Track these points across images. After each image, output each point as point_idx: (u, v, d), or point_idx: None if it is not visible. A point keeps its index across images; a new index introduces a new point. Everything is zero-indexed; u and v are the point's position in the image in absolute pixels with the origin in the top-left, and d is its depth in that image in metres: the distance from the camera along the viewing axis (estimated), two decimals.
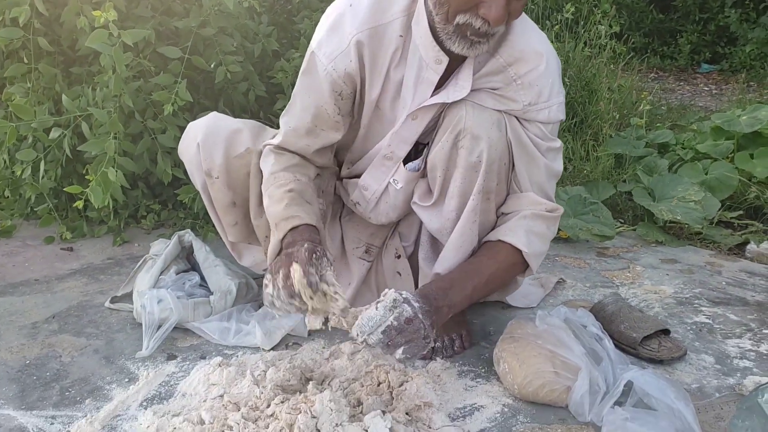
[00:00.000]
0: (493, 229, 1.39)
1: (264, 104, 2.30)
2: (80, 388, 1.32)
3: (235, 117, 2.12)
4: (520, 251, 1.33)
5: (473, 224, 1.36)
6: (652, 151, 2.79)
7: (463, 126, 1.29)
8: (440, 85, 1.32)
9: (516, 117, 1.32)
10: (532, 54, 1.29)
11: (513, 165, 1.34)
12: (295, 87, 1.40)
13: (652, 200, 2.32)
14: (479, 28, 1.18)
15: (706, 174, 2.46)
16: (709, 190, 2.36)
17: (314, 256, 1.17)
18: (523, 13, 1.29)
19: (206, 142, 1.45)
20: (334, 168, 1.55)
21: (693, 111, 4.16)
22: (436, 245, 1.47)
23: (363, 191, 1.48)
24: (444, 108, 1.33)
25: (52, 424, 1.20)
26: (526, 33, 1.30)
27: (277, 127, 1.46)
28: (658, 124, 3.34)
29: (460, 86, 1.30)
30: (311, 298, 1.16)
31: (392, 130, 1.37)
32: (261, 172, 1.44)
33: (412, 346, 1.16)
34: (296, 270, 1.15)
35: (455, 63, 1.29)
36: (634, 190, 2.38)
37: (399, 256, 1.56)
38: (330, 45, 1.30)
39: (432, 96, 1.31)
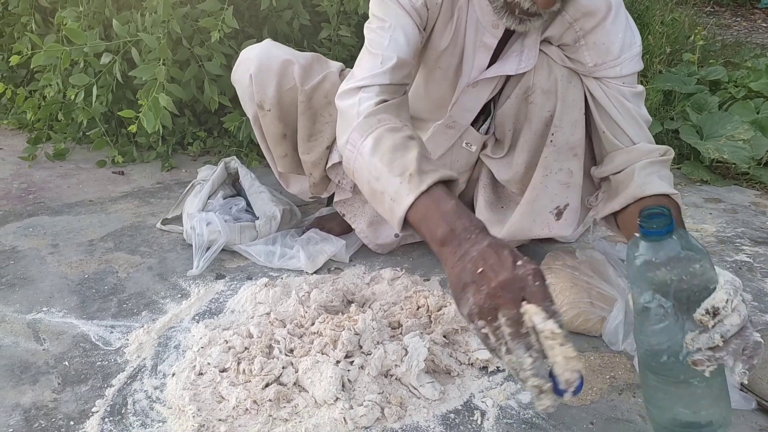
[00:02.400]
0: (597, 191, 1.35)
1: (307, 33, 2.29)
2: (136, 302, 1.40)
3: None
4: (668, 197, 1.19)
5: (545, 178, 1.35)
6: (702, 88, 2.70)
7: (533, 81, 1.28)
8: (501, 49, 1.29)
9: (589, 76, 1.28)
10: (596, 10, 1.22)
11: (602, 121, 1.29)
12: (367, 34, 1.24)
13: (700, 138, 2.28)
14: (528, 9, 1.14)
15: (758, 113, 2.39)
16: (760, 130, 2.29)
17: (516, 325, 0.81)
18: None
19: (259, 74, 1.44)
20: None
21: (748, 48, 3.98)
22: (497, 190, 1.47)
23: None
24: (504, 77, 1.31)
25: (111, 332, 1.29)
26: None
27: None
28: (710, 61, 3.22)
29: (525, 56, 1.27)
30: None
31: (452, 100, 1.36)
32: (310, 109, 1.44)
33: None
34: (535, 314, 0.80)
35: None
36: (681, 128, 2.33)
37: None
38: None
39: (492, 64, 1.30)
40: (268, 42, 1.52)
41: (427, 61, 1.37)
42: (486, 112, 1.42)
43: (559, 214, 1.38)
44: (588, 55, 1.25)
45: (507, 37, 1.28)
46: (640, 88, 1.30)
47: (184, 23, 1.91)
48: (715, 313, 0.84)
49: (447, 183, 0.98)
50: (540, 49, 1.27)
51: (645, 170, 1.23)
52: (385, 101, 1.15)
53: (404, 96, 1.21)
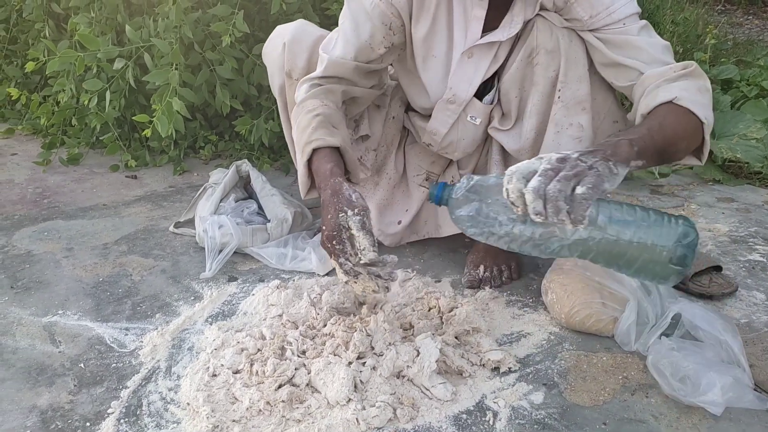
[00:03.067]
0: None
1: None
2: (150, 304, 1.41)
3: None
4: (672, 104, 1.14)
5: (557, 135, 1.34)
6: (714, 87, 2.68)
7: (536, 43, 1.30)
8: (497, 25, 1.32)
9: (587, 30, 1.29)
10: None
11: (612, 71, 1.29)
12: (340, 19, 1.40)
13: (712, 138, 2.26)
14: None
15: None
16: None
17: (339, 242, 1.11)
18: None
19: (292, 43, 1.49)
20: (390, 87, 1.57)
21: (761, 46, 3.95)
22: (509, 163, 1.46)
23: (432, 136, 1.49)
24: (499, 45, 1.34)
25: (126, 335, 1.30)
26: None
27: None
28: (722, 59, 3.20)
29: (515, 23, 1.30)
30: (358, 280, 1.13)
31: (450, 72, 1.38)
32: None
33: (588, 179, 0.95)
34: (337, 268, 1.13)
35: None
36: None
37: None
38: None
39: (485, 34, 1.32)
40: (302, 20, 1.57)
41: (416, 53, 1.39)
42: (490, 86, 1.42)
43: None
44: (581, 9, 1.27)
45: (501, 13, 1.31)
46: (643, 22, 1.29)
47: (195, 28, 1.93)
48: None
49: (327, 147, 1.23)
50: (539, 14, 1.30)
51: (657, 89, 1.19)
52: (319, 91, 1.35)
53: (334, 84, 1.38)
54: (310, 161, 1.25)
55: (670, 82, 1.18)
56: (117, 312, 1.38)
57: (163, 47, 1.82)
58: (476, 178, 1.06)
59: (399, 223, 1.62)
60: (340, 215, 1.11)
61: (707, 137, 1.16)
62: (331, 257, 1.14)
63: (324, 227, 1.14)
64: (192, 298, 1.44)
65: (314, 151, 1.24)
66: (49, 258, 1.60)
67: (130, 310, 1.39)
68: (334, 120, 1.30)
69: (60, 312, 1.38)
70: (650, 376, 1.15)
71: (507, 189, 0.97)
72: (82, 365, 1.20)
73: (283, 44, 1.50)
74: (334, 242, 1.11)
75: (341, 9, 2.15)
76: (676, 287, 1.43)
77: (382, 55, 1.39)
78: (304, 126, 1.29)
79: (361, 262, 1.11)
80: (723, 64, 3.01)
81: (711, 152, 2.20)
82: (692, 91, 1.15)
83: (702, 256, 1.51)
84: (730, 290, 1.43)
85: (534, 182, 0.95)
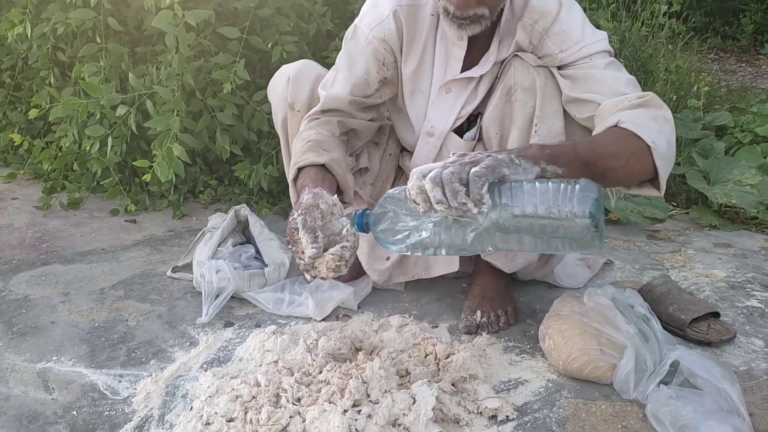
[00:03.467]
0: None
1: None
2: (145, 350, 1.40)
3: None
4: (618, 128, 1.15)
5: None
6: (708, 133, 2.72)
7: (513, 81, 1.37)
8: (476, 64, 1.41)
9: (559, 67, 1.36)
10: (549, 5, 1.35)
11: (577, 108, 1.34)
12: (337, 59, 1.50)
13: (707, 183, 2.28)
14: (453, 12, 1.28)
15: (765, 157, 2.40)
16: (767, 174, 2.30)
17: (294, 237, 1.17)
18: None
19: (296, 77, 1.55)
20: (388, 126, 1.63)
21: (754, 93, 4.02)
22: None
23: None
24: (478, 82, 1.42)
25: (119, 381, 1.29)
26: None
27: None
28: (716, 106, 3.25)
29: (488, 62, 1.40)
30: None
31: (428, 103, 1.47)
32: None
33: (483, 162, 0.98)
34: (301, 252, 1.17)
35: (483, 39, 1.37)
36: (688, 173, 2.34)
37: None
38: (370, 16, 1.43)
39: (464, 71, 1.42)
40: (307, 60, 1.65)
41: (405, 88, 1.48)
42: (472, 125, 1.48)
43: None
44: (553, 44, 1.35)
45: (479, 53, 1.41)
46: (610, 58, 1.35)
47: (197, 76, 1.97)
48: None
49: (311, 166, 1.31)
50: (516, 54, 1.38)
51: (609, 117, 1.20)
52: (316, 122, 1.44)
53: (332, 116, 1.45)
54: (295, 180, 1.34)
55: (623, 110, 1.19)
56: (111, 358, 1.37)
57: (165, 94, 1.85)
58: (388, 192, 1.11)
59: (387, 259, 1.63)
60: (291, 218, 1.17)
61: (658, 163, 1.12)
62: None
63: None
64: (187, 343, 1.43)
65: (299, 170, 1.33)
66: (45, 303, 1.60)
67: (125, 356, 1.38)
68: (325, 144, 1.37)
69: (54, 358, 1.37)
70: (649, 425, 1.14)
71: (408, 189, 1.01)
72: (74, 413, 1.19)
73: (288, 78, 1.56)
74: (290, 244, 1.17)
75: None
76: (674, 333, 1.43)
77: (378, 90, 1.47)
78: (296, 152, 1.38)
79: (305, 258, 1.14)
80: (717, 110, 3.06)
81: (706, 198, 2.22)
82: (644, 118, 1.15)
83: (699, 302, 1.51)
84: (729, 337, 1.43)
85: (432, 173, 0.98)
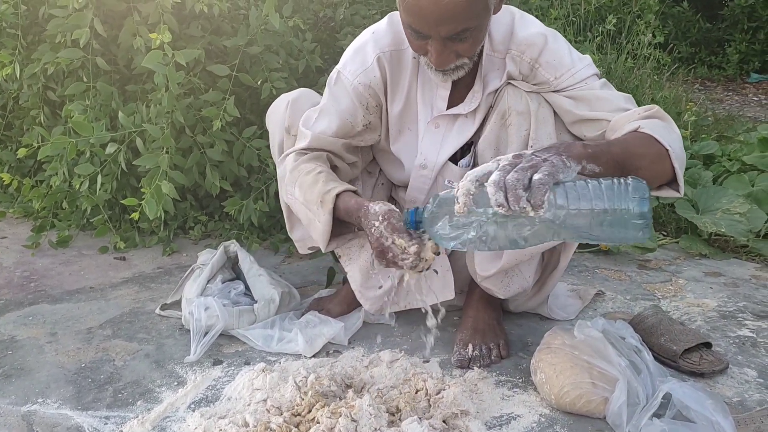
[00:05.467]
0: None
1: None
2: (132, 391, 1.38)
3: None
4: (650, 138, 1.19)
5: None
6: (696, 162, 2.75)
7: (507, 106, 1.39)
8: (461, 101, 1.44)
9: (555, 92, 1.39)
10: (534, 38, 1.38)
11: (582, 126, 1.37)
12: (321, 101, 1.51)
13: (696, 212, 2.30)
14: (435, 68, 1.30)
15: (753, 186, 2.42)
16: (756, 203, 2.31)
17: (385, 245, 1.22)
18: (515, 10, 1.43)
19: (295, 102, 1.57)
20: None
21: (741, 122, 4.07)
22: None
23: (412, 204, 1.54)
24: (474, 114, 1.44)
25: (105, 423, 1.27)
26: (524, 24, 1.40)
27: None
28: (703, 135, 3.28)
29: (475, 98, 1.42)
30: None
31: (419, 138, 1.48)
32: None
33: (543, 168, 1.00)
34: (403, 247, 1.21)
35: (466, 76, 1.38)
36: (677, 202, 2.35)
37: (438, 253, 1.59)
38: (354, 64, 1.45)
39: (450, 108, 1.44)
40: (307, 88, 1.67)
41: (392, 129, 1.50)
42: (467, 152, 1.49)
43: None
44: (546, 72, 1.38)
45: (464, 90, 1.43)
46: (603, 80, 1.40)
47: (187, 113, 1.98)
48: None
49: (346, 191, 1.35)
50: (508, 82, 1.41)
51: (624, 129, 1.25)
52: (310, 157, 1.46)
53: (321, 152, 1.48)
54: (335, 208, 1.35)
55: (637, 120, 1.25)
56: (98, 399, 1.35)
57: (155, 132, 1.86)
58: (440, 194, 1.13)
59: (380, 287, 1.62)
60: (374, 230, 1.22)
61: (676, 165, 1.19)
62: (391, 267, 1.24)
63: (372, 248, 1.25)
64: (175, 383, 1.41)
65: (337, 196, 1.34)
66: (32, 344, 1.58)
67: (111, 398, 1.36)
68: (334, 176, 1.42)
69: (40, 400, 1.34)
70: None
71: (457, 195, 1.04)
72: None
73: (287, 102, 1.58)
74: (386, 255, 1.21)
75: None
76: (666, 364, 1.42)
77: (360, 133, 1.49)
78: (311, 183, 1.39)
79: (411, 254, 1.19)
80: (704, 140, 3.09)
81: (696, 227, 2.23)
82: (657, 126, 1.22)
83: (691, 332, 1.50)
84: (721, 367, 1.42)
85: (494, 176, 1.00)
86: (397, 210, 1.23)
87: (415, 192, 1.53)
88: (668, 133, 1.21)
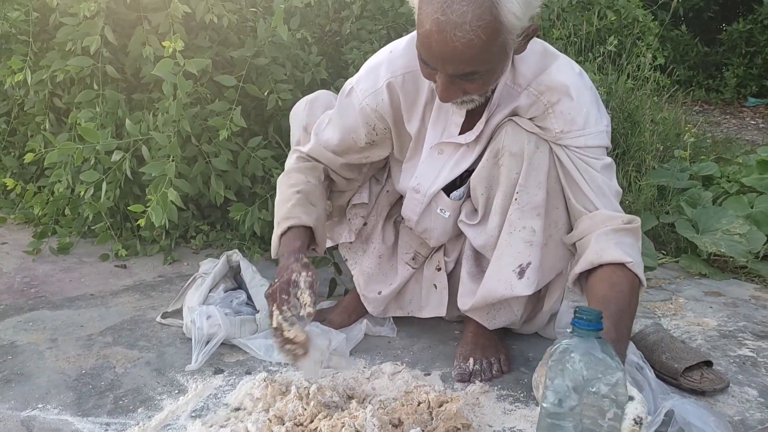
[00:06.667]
0: (566, 257, 1.43)
1: None
2: (133, 398, 1.38)
3: (284, 143, 2.22)
4: (624, 266, 1.27)
5: (509, 236, 1.38)
6: (695, 183, 2.77)
7: (502, 145, 1.36)
8: (473, 126, 1.40)
9: (556, 143, 1.35)
10: (559, 85, 1.32)
11: (568, 187, 1.36)
12: (333, 109, 1.52)
13: (696, 232, 2.31)
14: (440, 99, 1.27)
15: (752, 207, 2.44)
16: (755, 224, 2.33)
17: (286, 294, 1.27)
18: (547, 48, 1.36)
19: (314, 102, 1.61)
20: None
21: (739, 144, 4.11)
22: (480, 261, 1.50)
23: (407, 220, 1.55)
24: (475, 144, 1.41)
25: (106, 430, 1.26)
26: (557, 68, 1.34)
27: None
28: (702, 157, 3.31)
29: (476, 129, 1.38)
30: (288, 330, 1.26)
31: (420, 161, 1.46)
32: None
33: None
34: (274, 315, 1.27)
35: (482, 105, 1.34)
36: (677, 222, 2.37)
37: (439, 269, 1.60)
38: (366, 83, 1.43)
39: (461, 134, 1.40)
40: (326, 90, 1.70)
41: (412, 143, 1.47)
42: (460, 183, 1.48)
43: (521, 273, 1.39)
44: (555, 122, 1.33)
45: (478, 118, 1.38)
46: (609, 160, 1.36)
47: (193, 122, 1.99)
48: (640, 422, 0.96)
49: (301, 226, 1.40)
50: (511, 118, 1.36)
51: (603, 237, 1.30)
52: (305, 166, 1.50)
53: (318, 163, 1.51)
54: (283, 234, 1.41)
55: (616, 231, 1.30)
56: (98, 406, 1.34)
57: (162, 140, 1.87)
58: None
59: (379, 293, 1.64)
60: (294, 275, 1.27)
61: (642, 278, 1.29)
62: (272, 306, 1.27)
63: (276, 281, 1.29)
64: (176, 391, 1.41)
65: (289, 228, 1.39)
66: (32, 349, 1.57)
67: (112, 404, 1.35)
68: (312, 197, 1.45)
69: (40, 406, 1.34)
70: None
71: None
72: None
73: (306, 102, 1.61)
74: (282, 294, 1.26)
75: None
76: (667, 382, 1.42)
77: (364, 149, 1.48)
78: (285, 199, 1.44)
79: (301, 313, 1.26)
80: (703, 161, 3.12)
81: (696, 246, 2.25)
82: (635, 249, 1.30)
83: (692, 350, 1.51)
84: (722, 386, 1.42)
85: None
86: (309, 280, 1.27)
87: (409, 212, 1.53)
88: (637, 253, 1.30)
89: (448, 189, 1.47)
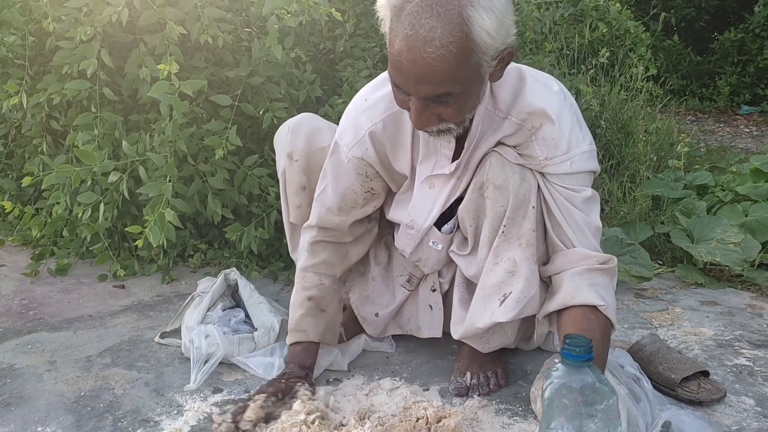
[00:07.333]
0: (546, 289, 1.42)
1: None
2: (132, 419, 1.38)
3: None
4: (596, 309, 1.29)
5: (494, 266, 1.38)
6: (690, 192, 2.78)
7: (486, 177, 1.35)
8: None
9: (540, 173, 1.35)
10: (537, 110, 1.31)
11: (548, 219, 1.36)
12: (324, 168, 1.51)
13: (691, 242, 2.32)
14: (414, 127, 1.27)
15: (746, 216, 2.45)
16: (750, 232, 2.34)
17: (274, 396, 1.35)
18: (528, 71, 1.35)
19: (296, 127, 1.58)
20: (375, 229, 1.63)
21: (733, 153, 4.13)
22: (471, 288, 1.50)
23: (401, 251, 1.56)
24: (461, 174, 1.41)
25: None
26: (535, 90, 1.33)
27: None
28: (696, 166, 3.33)
29: (464, 159, 1.38)
30: None
31: (412, 198, 1.47)
32: (302, 188, 1.58)
33: None
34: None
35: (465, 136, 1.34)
36: (672, 232, 2.38)
37: (434, 290, 1.61)
38: (348, 136, 1.44)
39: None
40: (307, 113, 1.67)
41: (399, 185, 1.49)
42: (449, 216, 1.48)
43: (503, 302, 1.39)
44: (539, 148, 1.32)
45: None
46: (590, 192, 1.35)
47: (190, 142, 2.01)
48: None
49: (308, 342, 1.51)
50: (494, 150, 1.35)
51: (578, 277, 1.32)
52: (319, 242, 1.53)
53: (335, 232, 1.53)
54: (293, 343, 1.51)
55: (590, 271, 1.32)
56: (97, 428, 1.34)
57: (158, 161, 1.88)
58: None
59: (377, 315, 1.64)
60: (292, 381, 1.40)
61: (613, 320, 1.32)
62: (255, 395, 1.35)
63: (270, 387, 1.37)
64: (175, 411, 1.41)
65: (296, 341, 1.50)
66: (31, 372, 1.57)
67: (111, 426, 1.35)
68: (324, 302, 1.53)
69: (39, 429, 1.34)
70: None
71: None
72: None
73: (288, 128, 1.60)
74: (266, 390, 1.36)
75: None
76: (664, 393, 1.42)
77: (365, 200, 1.50)
78: (297, 304, 1.52)
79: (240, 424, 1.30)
80: (697, 170, 3.13)
81: (691, 256, 2.26)
82: (609, 290, 1.33)
83: (689, 360, 1.51)
84: (719, 396, 1.43)
85: None
86: (302, 391, 1.36)
87: (403, 244, 1.53)
88: (611, 294, 1.32)
89: (440, 221, 1.48)
